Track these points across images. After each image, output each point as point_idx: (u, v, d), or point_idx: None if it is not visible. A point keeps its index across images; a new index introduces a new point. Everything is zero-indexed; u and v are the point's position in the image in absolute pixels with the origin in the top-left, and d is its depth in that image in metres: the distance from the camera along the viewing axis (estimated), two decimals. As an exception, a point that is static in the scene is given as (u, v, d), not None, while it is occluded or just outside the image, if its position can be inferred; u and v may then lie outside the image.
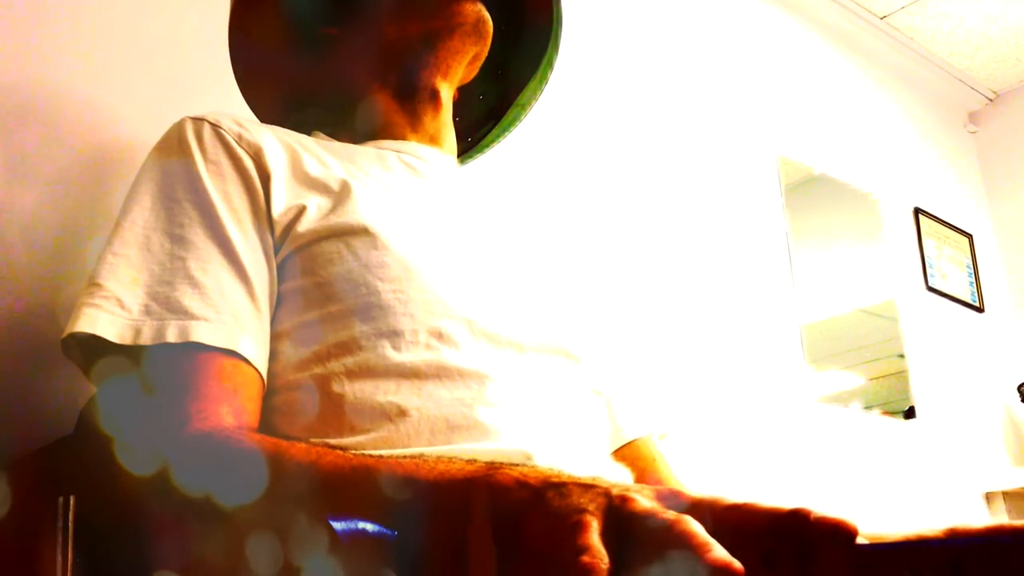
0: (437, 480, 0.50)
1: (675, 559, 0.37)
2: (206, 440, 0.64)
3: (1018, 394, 2.64)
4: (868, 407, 2.28)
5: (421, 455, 0.58)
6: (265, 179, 0.77)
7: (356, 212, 0.76)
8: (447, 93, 0.95)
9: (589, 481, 0.44)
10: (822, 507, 0.38)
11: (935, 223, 2.69)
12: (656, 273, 1.84)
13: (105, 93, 1.11)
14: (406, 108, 0.93)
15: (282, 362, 0.72)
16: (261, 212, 0.76)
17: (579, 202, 1.73)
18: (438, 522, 0.48)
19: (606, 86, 1.88)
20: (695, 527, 0.38)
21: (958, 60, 2.87)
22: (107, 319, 0.68)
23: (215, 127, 0.79)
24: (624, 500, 0.41)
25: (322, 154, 0.83)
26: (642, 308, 1.77)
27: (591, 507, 0.41)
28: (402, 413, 0.69)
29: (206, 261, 0.72)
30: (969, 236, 2.81)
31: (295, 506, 0.56)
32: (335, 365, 0.70)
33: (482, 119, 1.11)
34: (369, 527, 0.48)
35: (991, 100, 3.06)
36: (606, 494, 0.42)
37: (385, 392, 0.69)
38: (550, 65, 1.07)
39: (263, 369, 0.71)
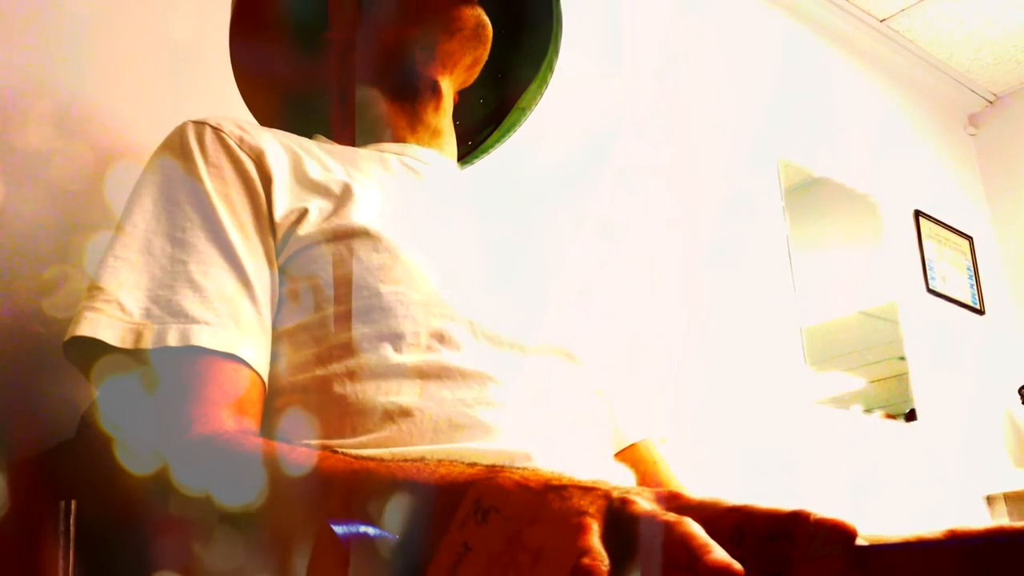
0: (438, 483, 0.50)
1: (675, 561, 0.37)
2: (207, 444, 0.64)
3: (1019, 396, 2.64)
4: (869, 409, 2.28)
5: (422, 458, 0.58)
6: (267, 182, 0.77)
7: (357, 215, 0.76)
8: (447, 96, 0.96)
9: (590, 484, 0.44)
10: (822, 509, 0.38)
11: (935, 225, 2.69)
12: (657, 275, 1.84)
13: (106, 96, 1.12)
14: (406, 111, 0.93)
15: (284, 364, 0.72)
16: (263, 215, 0.76)
17: (580, 204, 1.73)
18: (440, 525, 0.48)
19: (607, 88, 1.88)
20: (695, 529, 0.38)
21: (958, 63, 2.87)
22: (108, 323, 0.68)
23: (216, 130, 0.79)
24: (624, 502, 0.41)
25: (323, 157, 0.83)
26: (643, 310, 1.77)
27: (591, 509, 0.41)
28: (404, 413, 0.69)
29: (207, 264, 0.72)
30: (969, 238, 2.81)
31: (296, 510, 0.56)
32: (337, 367, 0.70)
33: (482, 122, 1.11)
34: (370, 531, 0.48)
35: (991, 103, 3.06)
36: (607, 496, 0.42)
37: (387, 392, 0.69)
38: (550, 68, 1.07)
39: (264, 373, 0.71)
